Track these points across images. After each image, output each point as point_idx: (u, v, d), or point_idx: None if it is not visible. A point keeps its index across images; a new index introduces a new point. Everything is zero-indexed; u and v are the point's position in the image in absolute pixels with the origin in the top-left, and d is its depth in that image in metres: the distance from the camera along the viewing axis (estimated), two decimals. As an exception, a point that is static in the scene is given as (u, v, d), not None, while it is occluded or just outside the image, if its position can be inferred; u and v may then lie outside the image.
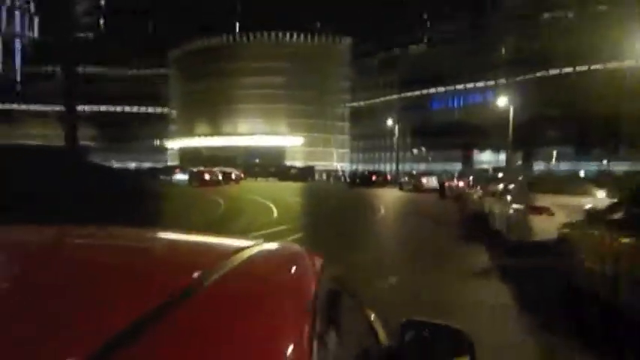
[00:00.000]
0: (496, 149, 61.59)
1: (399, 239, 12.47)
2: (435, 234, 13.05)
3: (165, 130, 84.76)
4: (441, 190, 29.87)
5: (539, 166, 56.31)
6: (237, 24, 77.34)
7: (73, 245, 1.18)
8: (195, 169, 49.83)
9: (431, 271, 7.79)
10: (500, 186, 12.23)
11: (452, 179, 31.00)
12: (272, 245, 1.20)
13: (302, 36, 75.47)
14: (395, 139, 54.16)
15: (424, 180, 35.49)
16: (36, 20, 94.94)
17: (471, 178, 24.32)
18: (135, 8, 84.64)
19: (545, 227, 7.74)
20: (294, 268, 1.05)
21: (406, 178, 38.64)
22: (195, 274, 0.78)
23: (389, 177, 45.08)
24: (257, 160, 71.41)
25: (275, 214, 18.87)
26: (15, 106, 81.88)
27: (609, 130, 49.13)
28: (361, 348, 1.25)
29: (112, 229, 1.29)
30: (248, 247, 1.03)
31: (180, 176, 46.95)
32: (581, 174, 36.10)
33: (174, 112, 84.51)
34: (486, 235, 11.12)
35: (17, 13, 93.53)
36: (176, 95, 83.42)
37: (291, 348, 0.64)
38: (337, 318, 1.06)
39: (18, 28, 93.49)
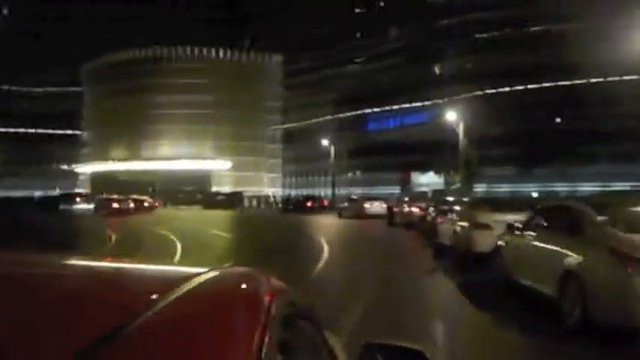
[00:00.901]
0: (435, 171, 58.89)
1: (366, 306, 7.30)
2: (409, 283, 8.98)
3: (78, 154, 76.26)
4: (390, 216, 25.35)
5: (480, 188, 53.89)
6: (161, 37, 70.90)
7: (22, 274, 1.11)
8: (102, 197, 43.21)
9: None
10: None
11: (401, 203, 26.61)
12: (227, 270, 1.24)
13: (230, 52, 70.30)
14: (330, 161, 49.65)
15: (367, 205, 30.98)
16: None
17: (429, 203, 20.19)
18: (45, 17, 76.31)
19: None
20: (245, 293, 1.06)
21: (346, 204, 33.99)
22: (144, 301, 0.79)
23: (326, 202, 40.36)
24: (181, 187, 64.84)
25: (178, 253, 13.84)
26: None
27: (555, 149, 47.36)
28: None
29: (60, 257, 1.28)
30: (200, 274, 1.04)
31: (84, 205, 40.01)
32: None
33: (87, 134, 76.20)
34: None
35: None
36: (90, 114, 75.38)
37: None
38: (293, 342, 1.07)
39: None
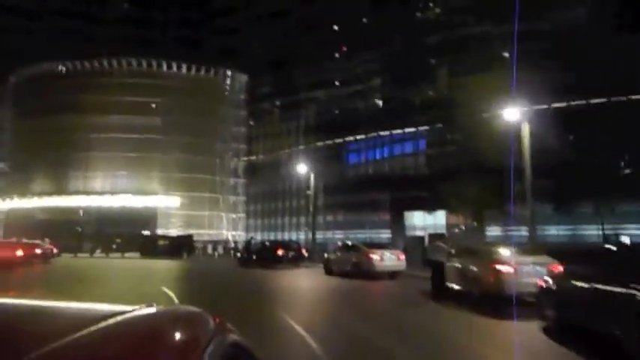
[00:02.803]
0: (429, 209, 48.17)
1: None
2: None
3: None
4: (439, 277, 13.68)
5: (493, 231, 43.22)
6: (97, 48, 58.96)
7: None
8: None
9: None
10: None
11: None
12: (160, 309, 1.21)
13: (184, 67, 58.81)
14: (309, 194, 37.92)
15: (375, 256, 19.33)
16: None
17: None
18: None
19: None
20: (176, 331, 1.04)
21: (338, 253, 22.20)
22: (62, 340, 0.79)
23: (304, 250, 28.31)
24: (119, 228, 51.79)
25: None
26: None
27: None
28: None
29: None
30: (119, 313, 1.03)
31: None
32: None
33: (5, 164, 62.47)
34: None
35: None
36: (9, 140, 61.96)
37: None
38: None
39: None
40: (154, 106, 55.75)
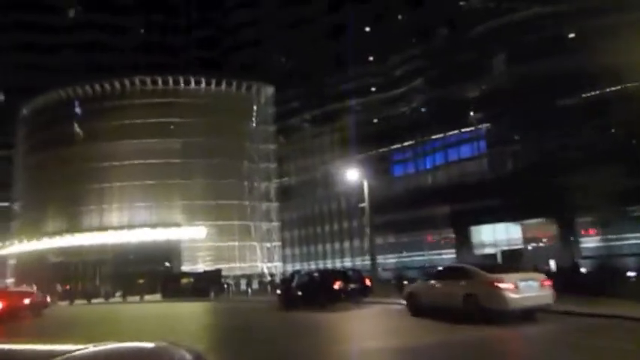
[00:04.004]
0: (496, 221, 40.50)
1: None
2: None
3: (7, 231, 56.99)
4: None
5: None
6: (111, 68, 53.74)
7: None
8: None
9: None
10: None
11: None
12: (124, 345, 1.24)
13: (203, 82, 52.76)
14: (363, 212, 30.38)
15: (507, 285, 11.78)
16: None
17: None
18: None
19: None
20: None
21: (432, 282, 14.60)
22: None
23: (367, 281, 20.69)
24: (139, 267, 45.49)
25: None
26: None
27: None
28: None
29: None
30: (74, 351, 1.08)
31: None
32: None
33: (18, 204, 57.20)
34: None
35: None
36: (22, 178, 56.80)
37: None
38: None
39: None
40: (172, 127, 49.74)
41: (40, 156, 52.63)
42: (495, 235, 40.71)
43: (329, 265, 53.01)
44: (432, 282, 14.29)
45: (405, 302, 15.60)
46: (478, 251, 41.29)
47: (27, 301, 24.71)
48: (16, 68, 65.11)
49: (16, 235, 53.94)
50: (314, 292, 19.40)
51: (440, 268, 17.57)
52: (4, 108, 66.50)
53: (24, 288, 29.43)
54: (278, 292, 22.58)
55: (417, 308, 14.53)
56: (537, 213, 34.36)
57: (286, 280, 20.97)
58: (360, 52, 57.83)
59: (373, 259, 26.43)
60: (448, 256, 42.80)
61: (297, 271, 21.92)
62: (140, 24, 73.71)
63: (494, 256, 40.43)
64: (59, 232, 49.51)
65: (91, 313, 27.37)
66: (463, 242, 41.36)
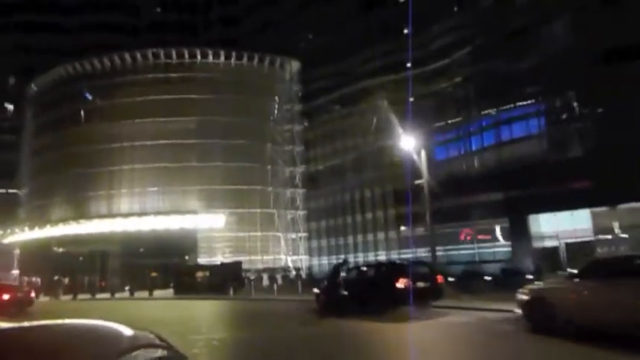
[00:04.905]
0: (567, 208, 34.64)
1: None
2: None
3: (14, 218, 53.04)
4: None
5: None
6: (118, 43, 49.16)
7: None
8: None
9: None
10: None
11: None
12: (69, 323, 1.24)
13: (222, 55, 47.77)
14: (422, 190, 24.84)
15: None
16: None
17: None
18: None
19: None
20: (73, 346, 1.01)
21: (583, 282, 9.26)
22: None
23: (440, 278, 15.33)
24: (147, 260, 40.97)
25: None
26: None
27: None
28: None
29: None
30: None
31: None
32: None
33: (23, 191, 53.17)
34: None
35: None
36: (28, 163, 52.70)
37: None
38: None
39: None
40: (188, 101, 44.93)
41: (47, 138, 48.47)
42: (558, 224, 34.90)
43: (360, 259, 47.80)
44: (584, 283, 8.87)
45: (519, 311, 10.27)
46: (537, 244, 35.66)
47: (6, 297, 20.14)
48: (28, 50, 61.44)
49: (20, 223, 49.85)
50: (368, 293, 14.21)
51: (605, 258, 12.16)
52: (13, 91, 62.95)
53: (8, 282, 24.81)
54: (315, 290, 17.40)
55: (548, 324, 9.19)
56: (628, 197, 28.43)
57: (335, 274, 15.70)
58: (391, 26, 52.51)
59: (433, 252, 20.88)
60: (501, 249, 37.37)
61: (343, 263, 16.51)
62: (155, 3, 69.43)
63: (556, 249, 34.88)
64: (64, 220, 45.15)
65: (84, 311, 22.61)
66: (519, 232, 35.66)
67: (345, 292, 15.20)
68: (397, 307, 13.89)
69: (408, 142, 21.10)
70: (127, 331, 1.10)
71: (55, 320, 1.25)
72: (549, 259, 33.98)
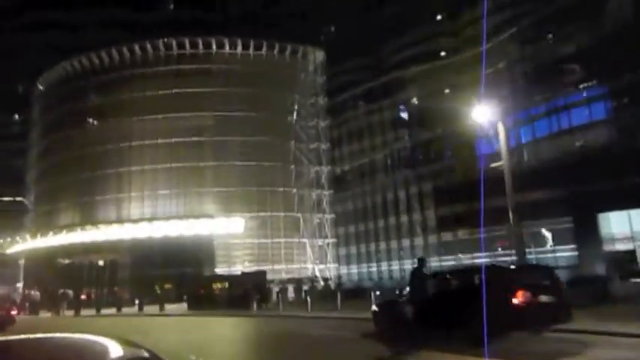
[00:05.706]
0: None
1: None
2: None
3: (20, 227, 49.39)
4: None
5: None
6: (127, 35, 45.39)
7: None
8: None
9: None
10: None
11: None
12: (57, 336, 1.24)
13: (239, 45, 43.65)
14: (505, 177, 19.95)
15: None
16: None
17: None
18: None
19: None
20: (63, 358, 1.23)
21: None
22: None
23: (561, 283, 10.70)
24: (160, 271, 36.74)
25: None
26: None
27: None
28: None
29: None
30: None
31: None
32: None
33: (29, 197, 49.46)
34: None
35: None
36: (34, 168, 49.06)
37: None
38: None
39: None
40: (204, 95, 40.84)
41: (53, 138, 44.81)
42: (632, 225, 29.78)
43: (394, 268, 43.02)
44: None
45: None
46: (607, 247, 30.52)
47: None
48: (36, 50, 58.21)
49: (24, 232, 46.08)
50: (462, 311, 9.52)
51: None
52: (21, 94, 59.79)
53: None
54: (374, 308, 12.71)
55: None
56: None
57: (420, 282, 10.66)
58: (422, 12, 48.13)
59: (522, 253, 15.92)
60: (563, 253, 32.33)
61: (421, 264, 11.26)
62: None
63: (632, 252, 29.70)
64: (70, 227, 41.17)
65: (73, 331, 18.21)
66: (587, 233, 30.57)
67: (424, 310, 10.52)
68: (509, 333, 9.24)
69: (483, 115, 16.32)
70: (114, 346, 1.02)
71: (43, 334, 1.19)
72: (621, 265, 28.94)
